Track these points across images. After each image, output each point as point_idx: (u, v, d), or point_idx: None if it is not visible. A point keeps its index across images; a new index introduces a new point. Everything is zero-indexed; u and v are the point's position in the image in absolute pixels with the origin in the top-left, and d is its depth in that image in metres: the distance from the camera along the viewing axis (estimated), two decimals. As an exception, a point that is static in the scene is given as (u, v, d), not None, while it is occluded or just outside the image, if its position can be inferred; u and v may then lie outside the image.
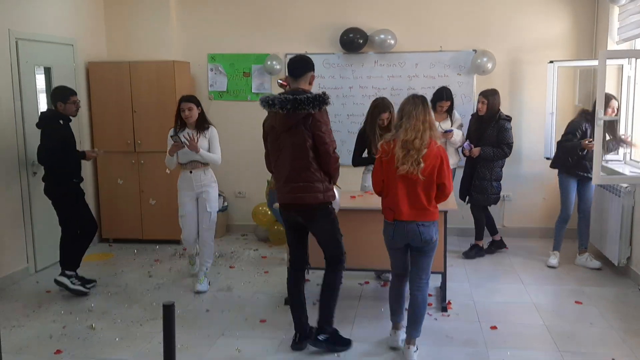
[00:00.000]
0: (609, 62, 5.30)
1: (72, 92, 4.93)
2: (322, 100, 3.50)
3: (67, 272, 4.90)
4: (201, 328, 4.21)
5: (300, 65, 3.69)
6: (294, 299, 3.84)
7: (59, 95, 4.86)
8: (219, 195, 6.79)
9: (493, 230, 5.96)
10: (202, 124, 4.93)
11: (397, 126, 3.54)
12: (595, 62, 5.74)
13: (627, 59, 5.60)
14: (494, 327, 4.16)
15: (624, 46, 5.69)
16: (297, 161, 3.58)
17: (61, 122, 4.84)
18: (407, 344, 3.70)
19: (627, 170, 5.40)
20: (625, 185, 5.14)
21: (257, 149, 6.72)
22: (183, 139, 4.77)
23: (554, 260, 5.51)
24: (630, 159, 5.62)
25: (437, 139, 3.52)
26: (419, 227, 3.49)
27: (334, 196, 3.72)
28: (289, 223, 3.82)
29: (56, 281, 4.87)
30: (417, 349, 3.70)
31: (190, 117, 4.86)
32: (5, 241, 5.20)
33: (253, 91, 6.84)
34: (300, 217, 3.70)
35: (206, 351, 3.87)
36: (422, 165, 3.39)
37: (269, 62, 6.59)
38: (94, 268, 5.63)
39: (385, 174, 3.56)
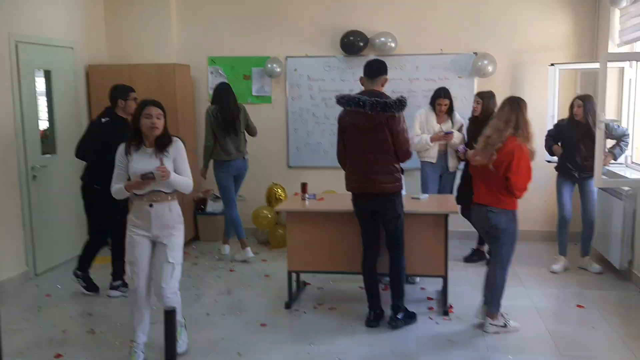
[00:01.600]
0: (610, 64, 5.29)
1: (131, 89, 4.82)
2: (404, 104, 3.99)
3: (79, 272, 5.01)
4: (201, 332, 4.19)
5: (378, 68, 4.12)
6: (369, 277, 4.29)
7: (119, 92, 4.78)
8: (219, 198, 6.78)
9: (481, 240, 5.77)
10: (165, 139, 3.62)
11: (523, 131, 3.95)
12: (596, 65, 5.72)
13: (628, 62, 5.58)
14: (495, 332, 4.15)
15: (625, 49, 5.68)
16: (379, 155, 4.01)
17: (103, 120, 4.72)
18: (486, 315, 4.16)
19: (628, 173, 5.39)
20: (627, 188, 5.12)
21: (257, 152, 6.80)
22: (155, 171, 3.50)
23: (556, 265, 5.46)
24: (632, 162, 5.60)
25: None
26: (488, 212, 3.96)
27: (402, 186, 4.18)
28: (364, 211, 4.21)
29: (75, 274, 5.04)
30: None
31: (157, 128, 3.56)
32: (4, 244, 5.18)
33: (253, 94, 6.83)
34: (378, 204, 4.12)
35: (207, 355, 3.85)
36: (494, 157, 3.85)
37: (269, 65, 6.58)
38: (95, 271, 5.60)
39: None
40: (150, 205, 3.58)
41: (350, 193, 4.24)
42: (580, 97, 5.26)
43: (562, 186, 5.44)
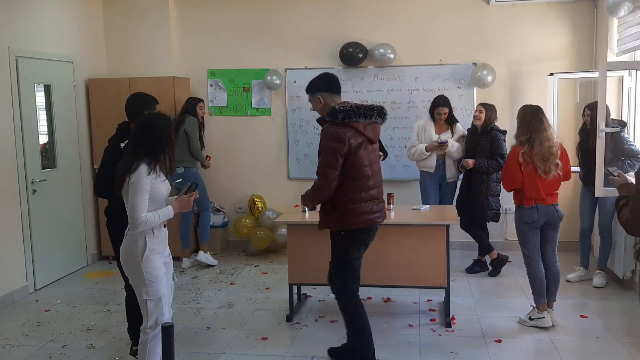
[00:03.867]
0: (609, 73, 5.30)
1: (155, 100, 4.13)
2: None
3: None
4: (202, 346, 4.15)
5: (339, 83, 3.73)
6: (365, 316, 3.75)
7: (145, 102, 4.04)
8: (220, 210, 6.79)
9: (482, 250, 5.75)
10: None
11: (530, 140, 4.15)
12: (595, 74, 5.74)
13: (627, 71, 5.59)
14: (498, 341, 4.11)
15: (624, 58, 5.69)
16: (379, 175, 3.70)
17: (122, 144, 3.84)
18: (550, 308, 4.41)
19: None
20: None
21: (257, 164, 6.79)
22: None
23: (572, 274, 5.45)
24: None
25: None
26: (555, 207, 4.29)
27: None
28: (368, 245, 3.73)
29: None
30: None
31: None
32: (4, 259, 5.15)
33: (253, 106, 6.84)
34: (374, 236, 3.74)
35: (207, 370, 3.82)
36: (560, 165, 4.18)
37: (268, 77, 6.60)
38: (94, 286, 5.59)
39: (526, 177, 4.18)
40: (165, 226, 3.31)
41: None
42: (588, 106, 5.23)
43: (583, 196, 5.41)
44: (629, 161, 5.00)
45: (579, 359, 3.86)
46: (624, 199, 2.84)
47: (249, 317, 4.74)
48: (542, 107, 6.02)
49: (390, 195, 4.90)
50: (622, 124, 5.13)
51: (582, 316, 4.58)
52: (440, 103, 5.60)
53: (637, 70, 5.50)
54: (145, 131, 3.20)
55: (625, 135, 5.06)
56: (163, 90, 6.28)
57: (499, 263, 5.67)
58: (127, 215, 3.15)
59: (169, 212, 3.19)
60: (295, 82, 6.70)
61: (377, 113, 3.53)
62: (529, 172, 4.17)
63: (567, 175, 4.32)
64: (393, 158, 6.55)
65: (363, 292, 5.06)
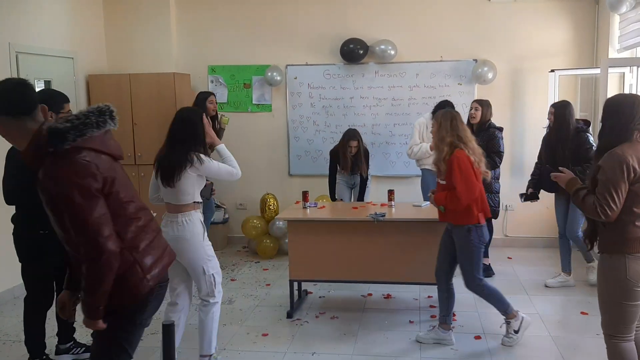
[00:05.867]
0: (610, 70, 5.30)
1: (65, 99, 3.73)
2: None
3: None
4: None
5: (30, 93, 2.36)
6: None
7: (54, 103, 3.60)
8: (220, 207, 6.78)
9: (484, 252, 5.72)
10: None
11: (462, 140, 3.78)
12: (596, 71, 5.74)
13: (628, 67, 5.58)
14: (478, 337, 4.12)
15: (625, 54, 5.68)
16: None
17: None
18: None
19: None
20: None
21: (258, 161, 6.79)
22: None
23: (551, 279, 5.20)
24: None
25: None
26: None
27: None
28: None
29: None
30: None
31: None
32: (4, 256, 5.15)
33: (254, 102, 6.83)
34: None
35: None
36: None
37: (269, 73, 6.59)
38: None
39: (479, 184, 3.81)
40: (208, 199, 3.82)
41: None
42: (555, 105, 4.96)
43: (556, 200, 5.15)
44: (579, 167, 4.65)
45: (580, 356, 3.86)
46: (582, 189, 2.86)
47: (250, 314, 4.74)
48: (543, 103, 6.12)
49: (390, 192, 4.90)
50: (587, 124, 4.92)
51: (582, 313, 4.58)
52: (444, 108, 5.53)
53: (638, 67, 5.49)
54: (195, 125, 3.52)
55: (590, 137, 4.80)
56: (163, 86, 6.29)
57: (485, 270, 5.60)
58: (36, 222, 3.41)
59: (223, 148, 3.75)
60: (296, 78, 6.69)
61: (109, 116, 2.40)
62: (478, 174, 3.81)
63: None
64: (394, 155, 6.55)
65: (363, 289, 5.09)
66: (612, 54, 5.80)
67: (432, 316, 4.56)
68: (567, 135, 4.80)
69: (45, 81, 5.75)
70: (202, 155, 3.47)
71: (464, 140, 3.79)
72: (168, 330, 1.64)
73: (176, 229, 3.48)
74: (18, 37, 5.31)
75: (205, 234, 3.60)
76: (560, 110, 4.84)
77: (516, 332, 4.02)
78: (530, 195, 5.12)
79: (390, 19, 6.47)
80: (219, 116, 5.97)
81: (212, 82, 6.88)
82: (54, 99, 3.51)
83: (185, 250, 3.48)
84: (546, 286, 5.14)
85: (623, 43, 5.62)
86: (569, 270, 5.17)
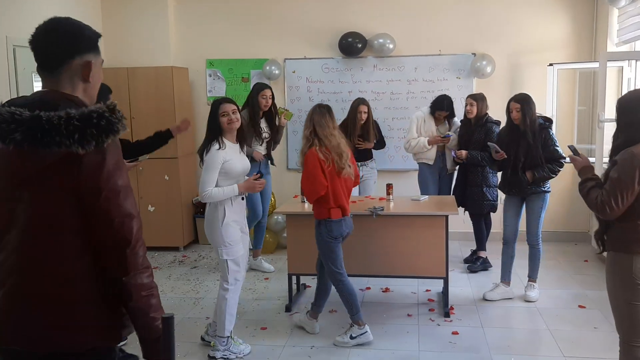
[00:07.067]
0: (609, 64, 5.30)
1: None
2: None
3: None
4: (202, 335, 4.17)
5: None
6: None
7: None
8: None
9: (480, 245, 5.66)
10: (243, 134, 3.90)
11: (318, 135, 3.85)
12: (595, 65, 5.74)
13: (627, 61, 5.58)
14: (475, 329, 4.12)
15: (624, 48, 5.68)
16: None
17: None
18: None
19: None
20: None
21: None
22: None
23: (490, 292, 4.79)
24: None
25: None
26: (351, 217, 4.03)
27: None
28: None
29: None
30: None
31: (238, 122, 3.78)
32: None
33: (252, 96, 6.81)
34: None
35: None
36: (352, 167, 3.93)
37: (267, 67, 6.57)
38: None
39: (329, 180, 3.82)
40: (243, 198, 3.82)
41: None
42: (516, 99, 4.57)
43: (506, 203, 4.84)
44: (549, 165, 4.51)
45: (577, 348, 3.87)
46: (591, 180, 2.82)
47: (248, 307, 4.74)
48: (541, 97, 6.12)
49: (389, 186, 4.90)
50: (548, 121, 4.64)
51: (580, 306, 4.59)
52: (443, 107, 5.50)
53: (637, 61, 5.49)
54: (210, 115, 3.74)
55: (553, 135, 4.59)
56: (161, 79, 6.27)
57: (483, 263, 5.61)
58: None
59: (233, 189, 3.65)
60: (294, 72, 6.68)
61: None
62: (330, 172, 3.80)
63: (357, 178, 4.09)
64: (392, 149, 6.55)
65: (362, 282, 5.10)
66: (611, 47, 5.80)
67: (430, 310, 4.57)
68: (534, 132, 4.50)
69: (42, 75, 5.73)
70: (212, 150, 3.64)
71: (320, 136, 3.84)
72: (168, 322, 1.64)
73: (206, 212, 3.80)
74: (15, 30, 5.29)
75: (227, 220, 3.68)
76: (527, 106, 4.49)
77: (352, 338, 3.96)
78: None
79: (388, 12, 6.46)
80: (280, 111, 5.54)
81: (210, 76, 6.86)
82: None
83: (206, 231, 3.79)
84: (485, 299, 4.76)
85: (622, 37, 5.61)
86: (508, 280, 4.81)
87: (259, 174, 3.84)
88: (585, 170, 2.91)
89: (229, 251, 3.71)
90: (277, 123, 5.54)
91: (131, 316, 1.74)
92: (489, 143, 4.78)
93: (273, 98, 5.46)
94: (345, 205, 3.90)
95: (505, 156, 4.59)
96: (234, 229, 3.71)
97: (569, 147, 3.25)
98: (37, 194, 1.64)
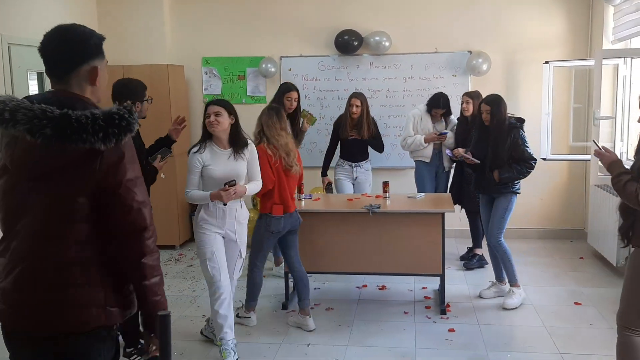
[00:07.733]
0: (604, 61, 5.31)
1: (144, 87, 3.89)
2: None
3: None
4: (198, 334, 4.16)
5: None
6: None
7: (131, 93, 3.74)
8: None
9: (477, 243, 5.68)
10: (242, 141, 3.74)
11: (265, 135, 4.06)
12: (590, 62, 5.76)
13: (622, 59, 5.59)
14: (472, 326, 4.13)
15: (619, 46, 5.69)
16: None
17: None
18: (307, 315, 4.27)
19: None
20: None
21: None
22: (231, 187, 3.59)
23: (486, 291, 4.81)
24: (627, 159, 5.61)
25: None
26: (297, 212, 4.23)
27: None
28: None
29: None
30: None
31: (219, 125, 3.62)
32: None
33: (248, 94, 6.81)
34: None
35: (203, 357, 3.83)
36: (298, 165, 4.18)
37: (263, 65, 6.56)
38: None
39: (276, 176, 4.02)
40: (225, 204, 3.66)
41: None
42: (486, 101, 4.50)
43: (480, 202, 4.80)
44: (517, 166, 4.43)
45: (573, 345, 3.88)
46: (626, 174, 2.77)
47: (245, 305, 4.74)
48: (537, 95, 6.13)
49: (385, 184, 4.90)
50: (520, 121, 4.54)
51: (576, 303, 4.61)
52: (440, 105, 5.48)
53: (632, 58, 5.51)
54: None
55: (523, 135, 4.48)
56: (157, 77, 6.24)
57: (479, 260, 5.60)
58: None
59: (205, 196, 3.62)
60: (290, 69, 6.67)
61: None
62: (277, 168, 4.01)
63: (301, 177, 4.41)
64: (389, 146, 6.53)
65: (359, 280, 5.10)
66: (606, 45, 5.81)
67: (426, 307, 4.58)
68: (504, 133, 4.42)
69: (37, 73, 5.71)
70: (190, 153, 3.73)
71: (268, 135, 4.06)
72: (164, 320, 1.64)
73: None
74: (10, 29, 5.26)
75: (199, 221, 3.74)
76: (495, 107, 4.42)
77: (238, 317, 4.24)
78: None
79: (384, 10, 6.46)
80: (303, 114, 5.38)
81: (206, 73, 6.85)
82: (134, 88, 3.82)
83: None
84: (481, 297, 4.77)
85: (617, 34, 5.63)
86: (503, 278, 4.76)
87: (232, 183, 3.57)
88: (614, 164, 2.86)
89: (199, 251, 3.74)
90: (300, 126, 5.38)
91: (141, 294, 1.88)
92: (461, 155, 4.82)
93: (299, 100, 5.28)
94: (290, 202, 4.10)
95: (477, 161, 4.57)
96: (204, 230, 3.67)
97: (593, 141, 3.31)
98: (55, 185, 1.78)
